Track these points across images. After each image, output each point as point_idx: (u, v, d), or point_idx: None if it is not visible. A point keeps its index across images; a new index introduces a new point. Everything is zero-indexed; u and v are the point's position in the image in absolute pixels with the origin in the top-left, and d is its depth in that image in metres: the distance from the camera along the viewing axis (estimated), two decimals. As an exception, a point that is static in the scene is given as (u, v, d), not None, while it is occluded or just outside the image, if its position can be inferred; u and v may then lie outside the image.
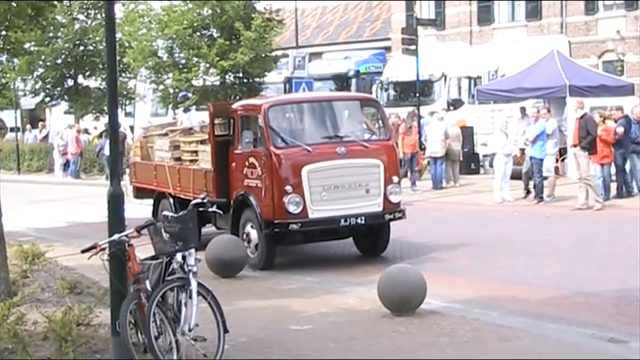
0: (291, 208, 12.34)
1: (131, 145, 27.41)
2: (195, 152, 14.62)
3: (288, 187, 12.36)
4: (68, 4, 32.28)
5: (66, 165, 32.82)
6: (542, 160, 18.89)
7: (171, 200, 14.95)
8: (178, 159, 15.12)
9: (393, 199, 12.94)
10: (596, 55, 33.59)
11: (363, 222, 12.70)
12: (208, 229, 14.41)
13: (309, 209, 12.41)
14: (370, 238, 13.55)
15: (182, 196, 14.36)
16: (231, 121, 13.62)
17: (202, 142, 14.41)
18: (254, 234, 12.88)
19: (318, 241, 13.69)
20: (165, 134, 16.07)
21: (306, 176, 12.40)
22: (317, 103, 13.87)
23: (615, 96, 23.35)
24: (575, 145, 18.17)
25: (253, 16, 29.11)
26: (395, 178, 13.05)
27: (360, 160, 12.80)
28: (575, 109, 18.67)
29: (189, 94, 30.25)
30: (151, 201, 16.12)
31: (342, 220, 12.56)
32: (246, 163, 13.01)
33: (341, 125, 13.47)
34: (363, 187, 12.73)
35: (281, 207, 12.36)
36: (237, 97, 29.67)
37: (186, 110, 31.20)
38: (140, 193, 16.69)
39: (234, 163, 13.38)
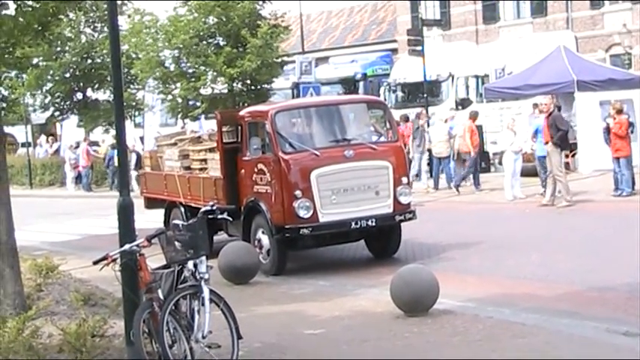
0: (302, 213, 12.35)
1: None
2: (205, 160, 14.67)
3: (298, 192, 12.38)
4: (74, 18, 32.40)
5: (78, 178, 32.98)
6: (543, 157, 18.84)
7: (182, 209, 14.99)
8: (188, 168, 15.18)
9: (403, 200, 12.95)
10: (603, 49, 33.54)
11: (373, 224, 12.70)
12: (220, 236, 14.45)
13: (319, 213, 12.43)
14: (381, 239, 13.56)
15: (193, 205, 14.40)
16: (239, 128, 13.65)
17: (211, 150, 14.45)
18: (265, 240, 12.90)
19: (329, 245, 13.69)
20: (174, 144, 16.10)
21: (315, 180, 12.42)
22: (323, 107, 13.90)
23: (624, 89, 23.29)
24: (547, 143, 18.11)
25: (259, 23, 29.18)
26: (404, 179, 13.07)
27: (368, 163, 12.81)
28: (546, 109, 18.55)
29: (198, 103, 30.34)
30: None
31: (353, 223, 12.56)
32: (255, 170, 13.05)
33: (348, 128, 13.49)
34: (373, 189, 12.73)
35: (291, 212, 12.37)
36: (246, 104, 29.77)
37: (197, 119, 31.29)
38: (151, 203, 16.71)
39: (243, 170, 13.41)
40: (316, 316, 9.83)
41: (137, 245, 7.49)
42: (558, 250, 13.16)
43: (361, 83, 35.63)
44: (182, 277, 7.47)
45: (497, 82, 26.74)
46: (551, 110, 18.30)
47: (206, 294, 7.27)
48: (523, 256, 12.83)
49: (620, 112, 18.69)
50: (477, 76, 29.45)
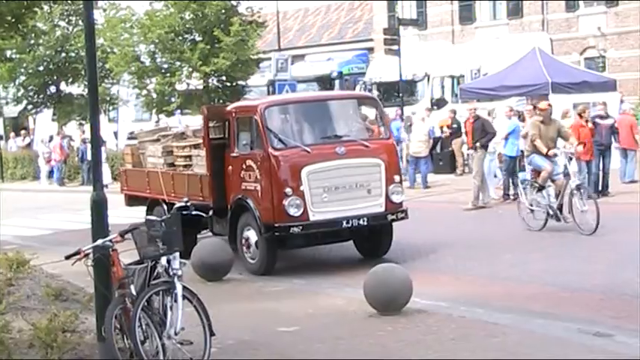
0: (292, 211, 11.99)
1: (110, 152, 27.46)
2: (189, 157, 14.23)
3: (288, 190, 12.03)
4: (49, 11, 32.17)
5: (51, 172, 32.76)
6: (511, 157, 18.96)
7: (166, 207, 14.59)
8: (171, 164, 14.69)
9: (395, 198, 12.62)
10: (577, 51, 33.78)
11: (365, 223, 12.38)
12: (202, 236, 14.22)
13: (310, 211, 12.08)
14: (372, 239, 13.20)
15: (177, 203, 13.98)
16: (227, 123, 13.18)
17: (196, 146, 14.03)
18: (253, 239, 12.53)
19: (319, 244, 13.30)
20: (157, 140, 15.55)
21: (306, 178, 12.08)
22: (315, 103, 13.60)
23: (597, 92, 23.48)
24: (471, 147, 18.43)
25: (232, 20, 29.10)
26: (396, 178, 12.75)
27: (360, 160, 12.48)
28: (470, 115, 19.04)
29: (173, 99, 30.24)
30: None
31: (344, 222, 12.22)
32: (244, 166, 12.65)
33: (340, 125, 13.15)
34: (365, 187, 12.41)
35: (281, 210, 12.02)
36: (221, 101, 29.75)
37: (172, 114, 31.16)
38: (132, 201, 16.08)
39: (230, 167, 12.99)
40: (290, 314, 9.79)
41: (110, 240, 7.43)
42: (532, 250, 13.21)
43: (337, 82, 35.69)
44: (155, 273, 7.41)
45: (472, 82, 26.88)
46: (477, 116, 18.79)
47: (179, 290, 7.21)
48: (497, 256, 12.87)
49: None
50: (452, 77, 29.60)
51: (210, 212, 13.31)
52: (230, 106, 13.86)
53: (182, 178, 14.13)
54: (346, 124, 13.36)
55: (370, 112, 14.58)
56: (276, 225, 12.11)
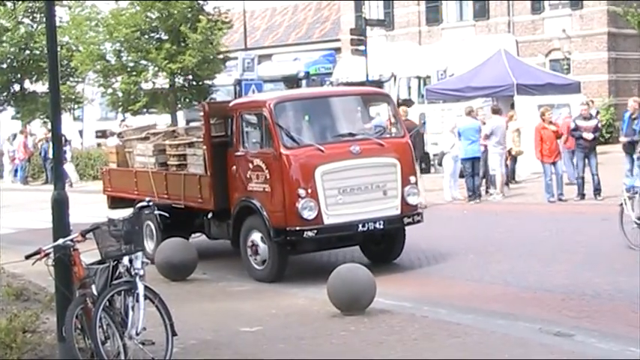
0: (306, 214, 11.27)
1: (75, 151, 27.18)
2: (184, 156, 13.46)
3: (301, 191, 11.30)
4: (13, 8, 31.87)
5: (15, 171, 32.46)
6: (463, 159, 19.08)
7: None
8: (164, 164, 13.90)
9: (411, 200, 12.00)
10: (542, 53, 34.10)
11: (381, 226, 11.72)
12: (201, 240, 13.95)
13: (324, 214, 11.36)
14: (383, 243, 12.64)
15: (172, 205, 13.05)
16: (230, 120, 12.44)
17: (190, 145, 13.31)
18: (262, 243, 11.82)
19: (331, 249, 12.71)
20: (146, 138, 14.85)
21: (320, 178, 11.36)
22: (327, 99, 12.83)
23: (562, 94, 23.70)
24: None
25: (200, 17, 29.04)
26: (412, 178, 12.12)
27: (376, 160, 11.81)
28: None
29: (139, 98, 30.08)
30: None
31: (360, 225, 11.53)
32: (251, 166, 11.89)
33: (353, 122, 12.63)
34: (381, 188, 11.75)
35: (294, 213, 11.29)
36: (187, 100, 29.67)
37: (138, 113, 30.96)
38: (116, 202, 15.16)
39: (234, 167, 12.23)
40: (253, 314, 9.78)
41: (71, 240, 7.37)
42: (495, 251, 13.28)
43: (304, 81, 35.72)
44: (117, 273, 7.37)
45: (438, 83, 27.03)
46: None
47: (140, 290, 7.18)
48: (460, 257, 12.93)
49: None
50: (419, 77, 29.76)
51: (210, 215, 12.91)
52: (234, 102, 13.22)
53: (177, 179, 13.38)
54: (360, 122, 12.87)
55: (383, 109, 14.23)
56: (288, 229, 11.39)
